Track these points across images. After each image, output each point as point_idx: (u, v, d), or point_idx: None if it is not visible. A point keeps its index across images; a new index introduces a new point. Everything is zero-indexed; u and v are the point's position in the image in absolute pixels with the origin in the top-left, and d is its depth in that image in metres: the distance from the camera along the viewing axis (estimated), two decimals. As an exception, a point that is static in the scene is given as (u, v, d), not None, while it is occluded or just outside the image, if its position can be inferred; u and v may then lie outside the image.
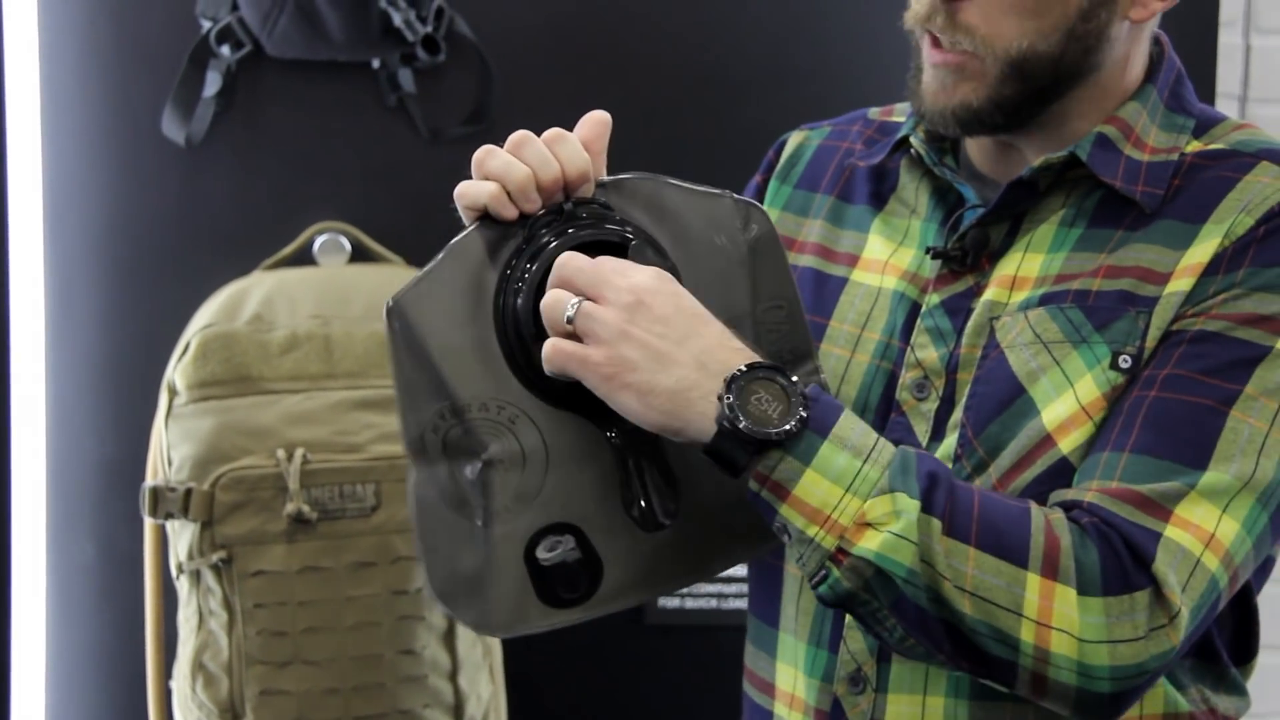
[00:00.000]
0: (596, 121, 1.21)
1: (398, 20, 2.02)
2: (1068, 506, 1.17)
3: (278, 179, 2.11)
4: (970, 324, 1.27)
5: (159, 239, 2.11)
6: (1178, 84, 1.32)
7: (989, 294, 1.27)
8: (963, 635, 1.13)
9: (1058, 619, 1.11)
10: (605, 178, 1.22)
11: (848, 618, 1.28)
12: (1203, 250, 1.21)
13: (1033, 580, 1.12)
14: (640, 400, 1.12)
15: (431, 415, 1.19)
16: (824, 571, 1.13)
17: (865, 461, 1.12)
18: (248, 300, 1.97)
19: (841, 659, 1.29)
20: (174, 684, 1.96)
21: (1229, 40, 2.32)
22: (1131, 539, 1.13)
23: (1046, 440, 1.21)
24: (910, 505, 1.11)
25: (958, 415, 1.25)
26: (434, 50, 2.07)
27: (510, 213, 1.18)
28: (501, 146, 1.19)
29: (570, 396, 1.19)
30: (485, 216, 1.19)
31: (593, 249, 1.18)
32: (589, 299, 1.13)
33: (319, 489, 1.88)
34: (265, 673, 1.88)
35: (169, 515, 1.89)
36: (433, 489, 1.20)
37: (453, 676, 1.95)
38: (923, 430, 1.27)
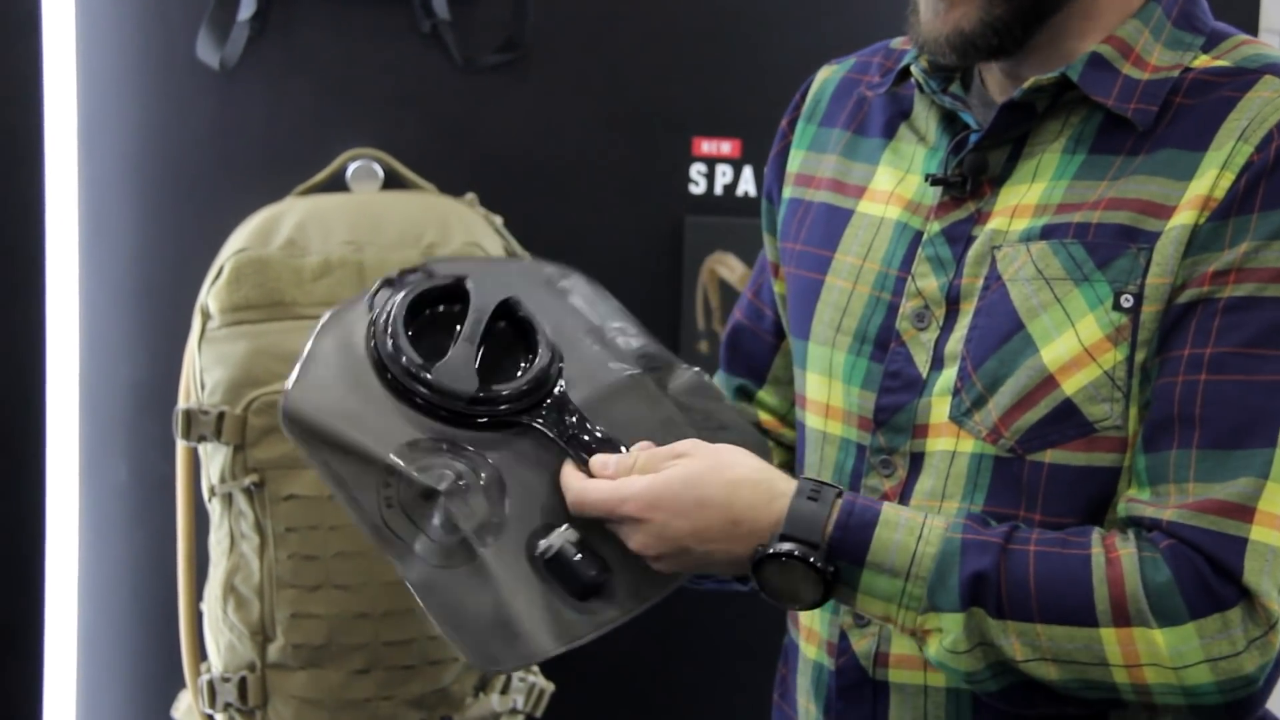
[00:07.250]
0: None
1: (433, -55, 2.01)
2: (1147, 526, 1.16)
3: (311, 105, 2.11)
4: (971, 253, 1.26)
5: (193, 163, 2.11)
6: (1189, 1, 1.29)
7: (992, 223, 1.25)
8: (1055, 694, 1.17)
9: (1145, 657, 1.13)
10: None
11: None
12: (1203, 182, 1.18)
13: (1108, 634, 1.13)
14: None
15: (375, 493, 1.20)
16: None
17: (907, 580, 1.17)
18: (281, 225, 1.97)
19: None
20: (205, 606, 1.97)
21: (1273, -25, 2.29)
22: (1216, 556, 1.13)
23: (1049, 381, 1.20)
24: (952, 622, 1.16)
25: (958, 346, 1.24)
26: (469, -24, 2.06)
27: None
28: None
29: (480, 420, 1.24)
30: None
31: (436, 296, 1.30)
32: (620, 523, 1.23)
33: (350, 414, 1.89)
34: (296, 596, 1.90)
35: (201, 438, 1.90)
36: (419, 567, 1.19)
37: (482, 603, 1.96)
38: (922, 360, 1.26)
